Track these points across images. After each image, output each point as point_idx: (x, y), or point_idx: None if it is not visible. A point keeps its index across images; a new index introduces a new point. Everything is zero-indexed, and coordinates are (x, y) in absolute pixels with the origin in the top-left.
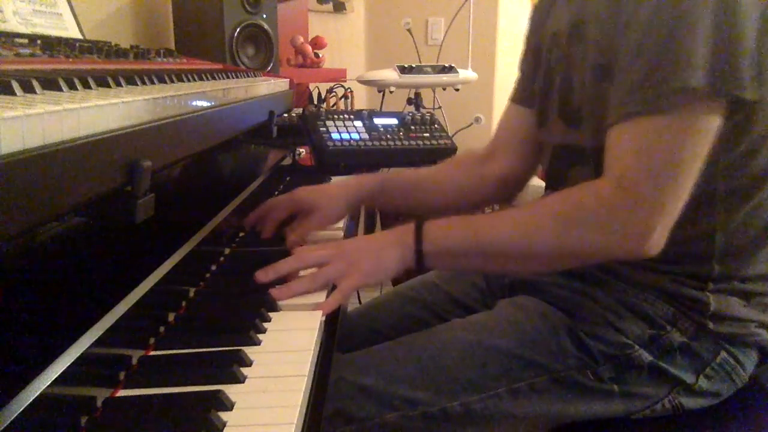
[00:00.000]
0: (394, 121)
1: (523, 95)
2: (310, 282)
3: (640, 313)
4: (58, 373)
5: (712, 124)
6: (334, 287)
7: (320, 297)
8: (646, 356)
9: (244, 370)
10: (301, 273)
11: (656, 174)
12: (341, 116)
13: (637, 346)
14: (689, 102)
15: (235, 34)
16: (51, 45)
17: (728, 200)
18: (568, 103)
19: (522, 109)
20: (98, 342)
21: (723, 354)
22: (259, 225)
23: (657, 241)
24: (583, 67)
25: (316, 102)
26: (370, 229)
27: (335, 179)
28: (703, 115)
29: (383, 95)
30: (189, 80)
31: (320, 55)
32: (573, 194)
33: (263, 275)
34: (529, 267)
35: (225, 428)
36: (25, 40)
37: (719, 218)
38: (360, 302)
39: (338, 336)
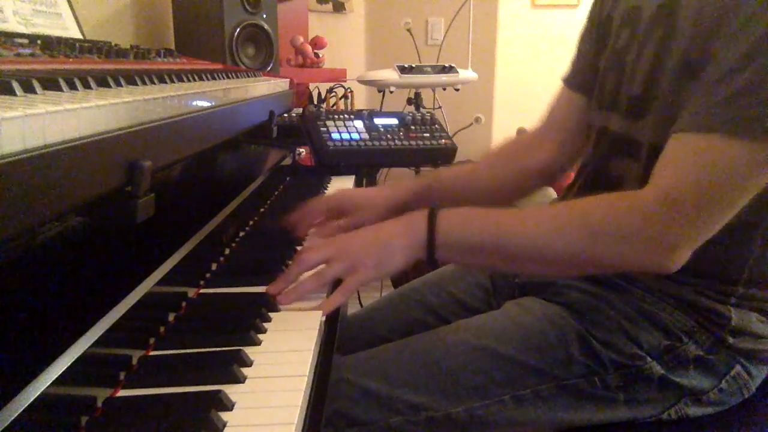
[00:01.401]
0: (394, 121)
1: (577, 79)
2: (314, 282)
3: (657, 322)
4: (58, 373)
5: None
6: (333, 291)
7: (320, 296)
8: (657, 369)
9: (244, 370)
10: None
11: (708, 197)
12: (341, 116)
13: (649, 359)
14: None
15: (235, 34)
16: (51, 45)
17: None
18: (634, 91)
19: (573, 94)
20: (98, 342)
21: (738, 368)
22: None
23: (682, 259)
24: (665, 55)
25: (316, 102)
26: None
27: (335, 179)
28: None
29: (383, 95)
30: (189, 80)
31: (320, 55)
32: (607, 202)
33: (274, 288)
34: (547, 271)
35: (225, 428)
36: (25, 40)
37: (755, 249)
38: (361, 305)
39: (338, 336)
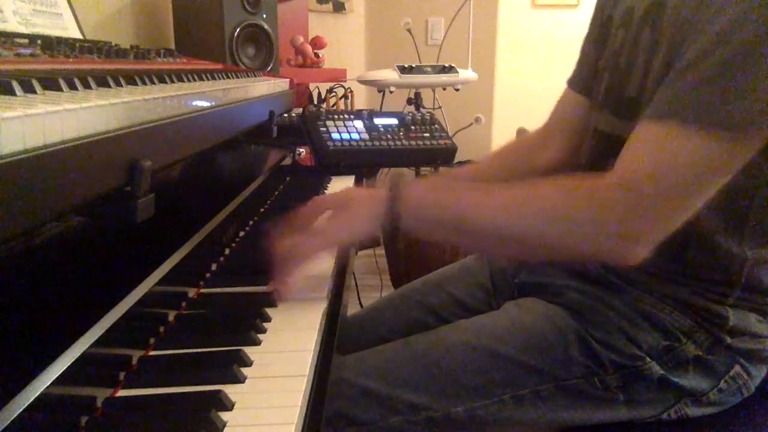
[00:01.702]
0: (394, 121)
1: (579, 80)
2: (294, 259)
3: (655, 322)
4: (58, 373)
5: (746, 156)
6: (333, 291)
7: (321, 295)
8: (657, 370)
9: (244, 370)
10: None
11: (665, 185)
12: (341, 116)
13: (648, 359)
14: (740, 128)
15: (235, 34)
16: (51, 45)
17: (764, 236)
18: (629, 93)
19: (577, 96)
20: (98, 342)
21: (737, 368)
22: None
23: (642, 252)
24: (652, 57)
25: (316, 102)
26: None
27: (335, 179)
28: (745, 143)
29: (383, 95)
30: (189, 80)
31: (320, 55)
32: (566, 186)
33: (277, 295)
34: (503, 251)
35: (225, 428)
36: (25, 40)
37: (751, 252)
38: (361, 305)
39: (338, 336)
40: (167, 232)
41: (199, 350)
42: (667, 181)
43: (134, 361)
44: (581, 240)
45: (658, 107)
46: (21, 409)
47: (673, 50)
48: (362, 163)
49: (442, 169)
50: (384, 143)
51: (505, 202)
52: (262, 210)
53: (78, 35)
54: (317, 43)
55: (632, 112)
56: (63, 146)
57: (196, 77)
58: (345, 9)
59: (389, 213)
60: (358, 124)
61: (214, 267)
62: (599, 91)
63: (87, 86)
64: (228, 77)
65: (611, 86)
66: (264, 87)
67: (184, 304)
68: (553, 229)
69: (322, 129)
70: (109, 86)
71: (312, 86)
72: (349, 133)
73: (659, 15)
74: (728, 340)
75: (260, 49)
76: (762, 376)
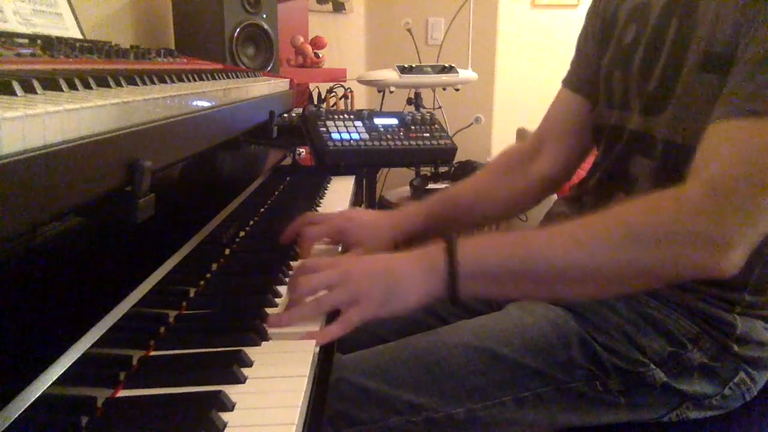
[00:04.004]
0: (394, 121)
1: (579, 80)
2: (312, 309)
3: (661, 329)
4: (59, 374)
5: None
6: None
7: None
8: (660, 376)
9: (245, 371)
10: None
11: (761, 183)
12: (341, 116)
13: (652, 365)
14: None
15: (235, 34)
16: (51, 45)
17: None
18: (649, 88)
19: (575, 96)
20: (98, 342)
21: (742, 374)
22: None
23: (738, 259)
24: (683, 49)
25: (316, 102)
26: None
27: (335, 179)
28: None
29: (383, 95)
30: (189, 80)
31: (320, 55)
32: (646, 204)
33: (276, 321)
34: (588, 291)
35: (225, 428)
36: (26, 40)
37: (762, 253)
38: None
39: None
40: (167, 232)
41: (200, 350)
42: (763, 179)
43: (134, 361)
44: (675, 257)
45: (739, 104)
46: (21, 410)
47: (719, 41)
48: (362, 163)
49: (443, 190)
50: (384, 143)
51: (580, 237)
52: (262, 210)
53: (78, 35)
54: (317, 43)
55: (655, 107)
56: (63, 146)
57: (196, 77)
58: (345, 9)
59: (447, 277)
60: (358, 124)
61: (214, 267)
62: (614, 91)
63: (87, 86)
64: (228, 77)
65: (627, 84)
66: (264, 87)
67: (184, 304)
68: (643, 252)
69: (322, 129)
70: (110, 86)
71: (312, 86)
72: (349, 133)
73: (690, 6)
74: (735, 348)
75: (260, 49)
76: (765, 380)
